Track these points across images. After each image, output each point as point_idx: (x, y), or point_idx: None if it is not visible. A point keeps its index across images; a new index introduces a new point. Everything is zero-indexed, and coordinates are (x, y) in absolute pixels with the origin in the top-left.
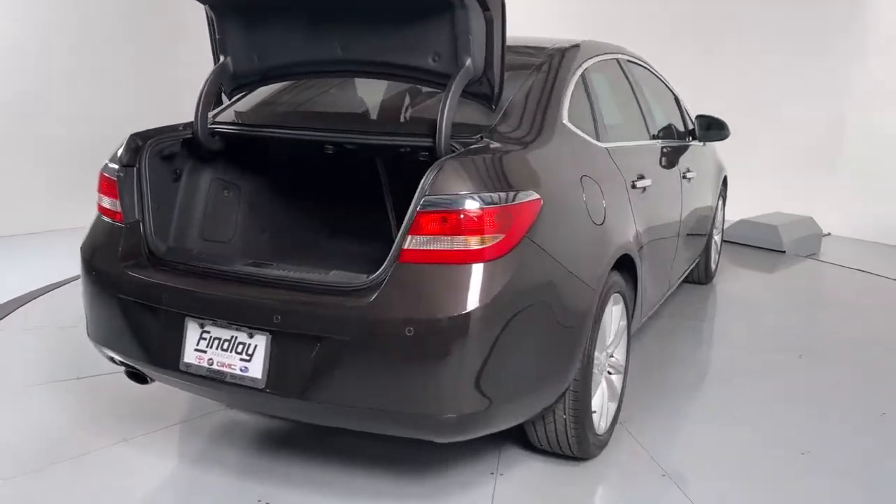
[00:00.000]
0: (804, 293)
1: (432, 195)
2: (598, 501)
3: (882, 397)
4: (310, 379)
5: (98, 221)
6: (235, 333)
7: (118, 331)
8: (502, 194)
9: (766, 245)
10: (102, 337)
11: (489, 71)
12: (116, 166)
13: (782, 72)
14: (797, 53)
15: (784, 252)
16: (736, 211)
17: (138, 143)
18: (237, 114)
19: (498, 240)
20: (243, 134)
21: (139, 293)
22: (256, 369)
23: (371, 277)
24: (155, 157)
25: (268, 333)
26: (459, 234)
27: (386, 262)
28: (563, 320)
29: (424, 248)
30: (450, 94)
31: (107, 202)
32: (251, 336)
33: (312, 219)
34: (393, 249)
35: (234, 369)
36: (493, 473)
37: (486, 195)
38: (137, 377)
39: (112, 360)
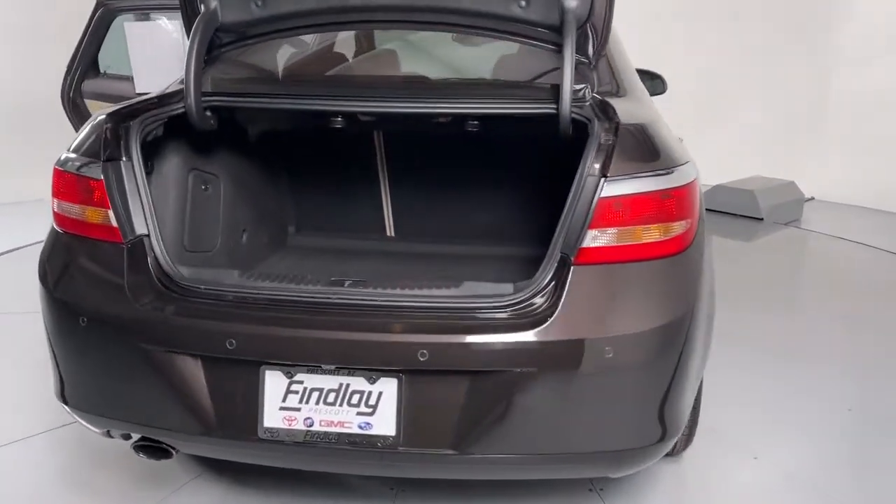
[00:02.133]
0: (777, 268)
1: (616, 176)
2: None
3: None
4: (464, 427)
5: (69, 244)
6: (347, 380)
7: (137, 396)
8: (678, 169)
9: (742, 212)
10: (101, 405)
11: (593, 16)
12: (94, 161)
13: (765, 29)
14: (779, 11)
15: (762, 219)
16: (717, 177)
17: (126, 125)
18: (215, 81)
19: (686, 226)
20: (254, 107)
21: (180, 342)
22: (385, 423)
23: (534, 288)
24: (143, 145)
25: (398, 375)
26: (651, 223)
27: (548, 267)
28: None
29: (610, 244)
30: (569, 44)
31: (89, 215)
32: (373, 381)
33: (306, 207)
34: (557, 249)
35: (350, 427)
36: (591, 490)
37: (668, 171)
38: (155, 450)
39: (109, 434)
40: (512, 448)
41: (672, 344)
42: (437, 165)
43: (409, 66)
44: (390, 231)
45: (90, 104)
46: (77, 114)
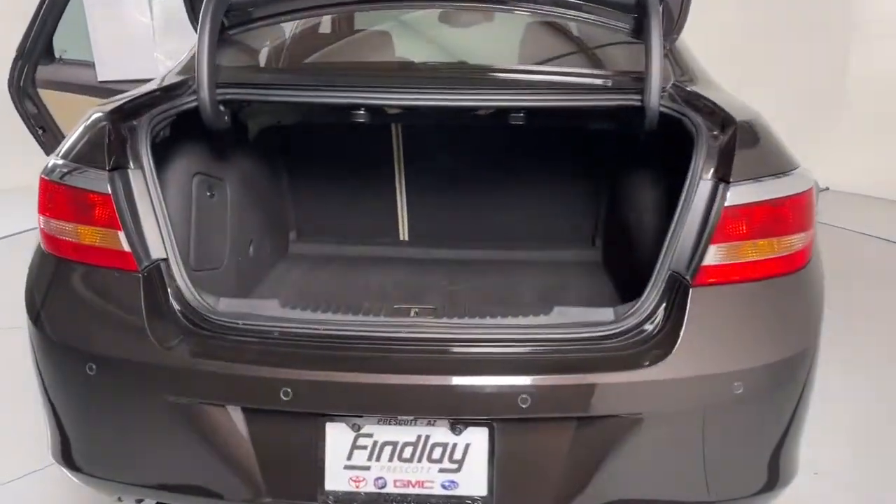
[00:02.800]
0: None
1: (741, 180)
2: None
3: None
4: (568, 483)
5: (66, 273)
6: (426, 431)
7: (161, 457)
8: (797, 172)
9: None
10: (115, 468)
11: None
12: (93, 168)
13: (777, 10)
14: None
15: None
16: None
17: (131, 125)
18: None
19: (808, 238)
20: (276, 101)
21: (220, 393)
22: (474, 481)
23: (642, 313)
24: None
25: (489, 424)
26: (779, 235)
27: (655, 288)
28: None
29: (735, 260)
30: (654, 23)
31: (92, 236)
32: (458, 431)
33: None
34: (665, 267)
35: (432, 487)
36: None
37: (789, 174)
38: None
39: (119, 500)
40: (624, 496)
41: (798, 375)
42: (459, 161)
43: (419, 47)
44: (404, 234)
45: (44, 95)
46: (28, 106)
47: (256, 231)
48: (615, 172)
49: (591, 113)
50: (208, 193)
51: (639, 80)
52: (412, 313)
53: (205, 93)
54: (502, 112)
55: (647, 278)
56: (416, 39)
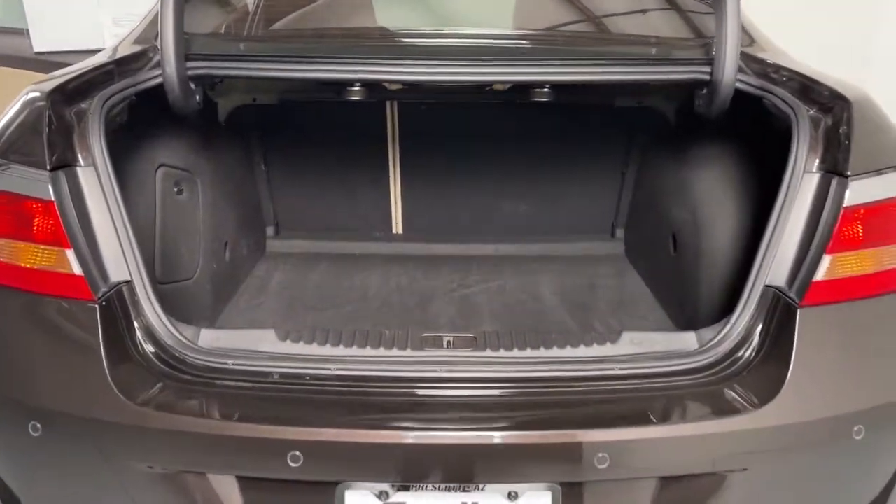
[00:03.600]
0: None
1: (862, 174)
2: None
3: None
4: None
5: (1, 305)
6: (472, 499)
7: None
8: None
9: None
10: None
11: None
12: (29, 167)
13: None
14: None
15: None
16: None
17: (79, 109)
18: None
19: None
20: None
21: (208, 459)
22: None
23: (734, 338)
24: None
25: (552, 488)
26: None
27: (748, 307)
28: None
29: (854, 273)
30: None
31: (31, 255)
32: (513, 497)
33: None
34: (760, 281)
35: None
36: None
37: None
38: None
39: None
40: None
41: None
42: (462, 143)
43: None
44: (397, 227)
45: None
46: None
47: (232, 230)
48: (647, 154)
49: (633, 88)
50: (176, 190)
51: (702, 48)
52: (446, 343)
53: (172, 67)
54: (523, 88)
55: (699, 283)
56: (415, 1)
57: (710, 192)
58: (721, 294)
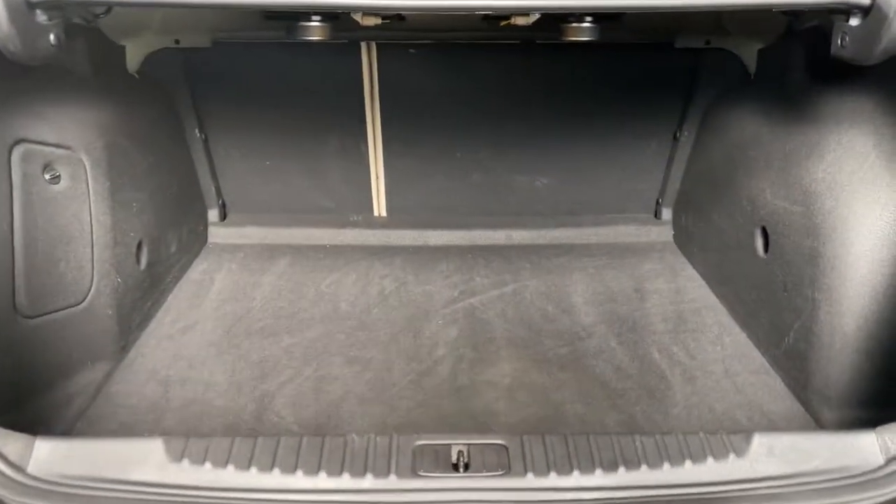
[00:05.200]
0: None
1: None
2: None
3: None
4: None
5: None
6: None
7: None
8: None
9: None
10: None
11: None
12: None
13: None
14: None
15: None
16: None
17: None
18: None
19: None
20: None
21: None
22: None
23: None
24: None
25: None
26: None
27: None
28: None
29: None
30: None
31: None
32: None
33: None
34: None
35: None
36: None
37: None
38: None
39: None
40: None
41: None
42: (464, 99)
43: None
44: (379, 209)
45: None
46: None
47: (150, 224)
48: (715, 112)
49: (716, 19)
50: (47, 177)
51: None
52: (457, 458)
53: None
54: (553, 20)
55: (816, 307)
56: None
57: (840, 174)
58: (860, 332)
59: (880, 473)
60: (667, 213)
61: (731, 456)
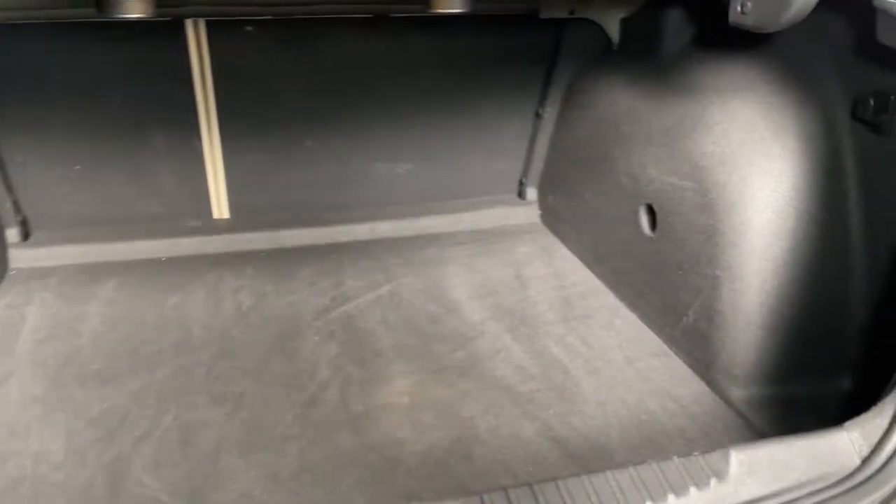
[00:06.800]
0: None
1: None
2: None
3: None
4: None
5: None
6: None
7: None
8: None
9: None
10: None
11: None
12: None
13: None
14: None
15: None
16: None
17: None
18: None
19: None
20: None
21: None
22: None
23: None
24: None
25: None
26: None
27: None
28: None
29: None
30: None
31: None
32: None
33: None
34: None
35: None
36: None
37: None
38: None
39: None
40: None
41: None
42: (309, 81)
43: None
44: (220, 210)
45: None
46: None
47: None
48: (580, 87)
49: None
50: None
51: None
52: None
53: None
54: None
55: (718, 284)
56: None
57: (729, 146)
58: (763, 308)
59: (858, 478)
60: (531, 194)
61: (713, 481)
